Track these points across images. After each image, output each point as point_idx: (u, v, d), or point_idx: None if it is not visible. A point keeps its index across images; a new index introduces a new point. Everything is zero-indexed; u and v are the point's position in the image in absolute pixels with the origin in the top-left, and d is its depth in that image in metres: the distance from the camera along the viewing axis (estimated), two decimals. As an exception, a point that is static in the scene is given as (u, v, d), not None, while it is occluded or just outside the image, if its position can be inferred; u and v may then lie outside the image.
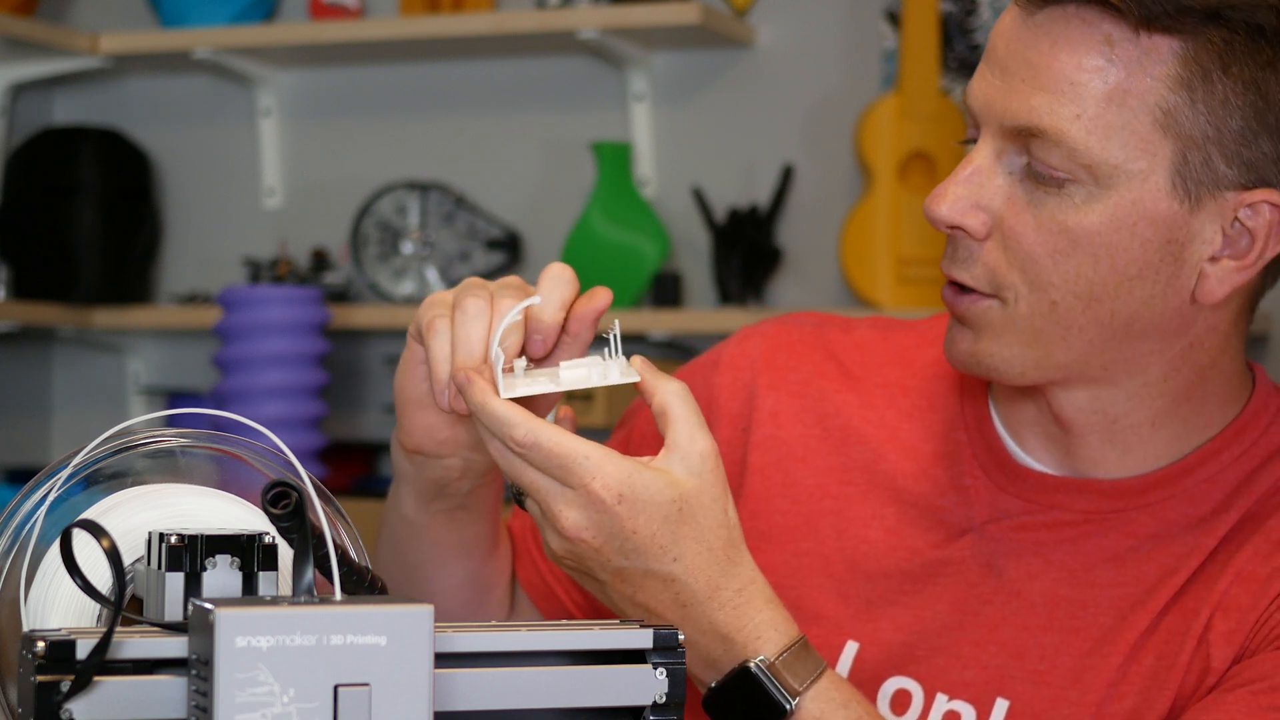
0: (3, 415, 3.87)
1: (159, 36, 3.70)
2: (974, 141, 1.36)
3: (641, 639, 1.07)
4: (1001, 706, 1.37)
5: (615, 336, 1.27)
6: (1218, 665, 1.33)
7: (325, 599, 0.98)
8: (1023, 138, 1.31)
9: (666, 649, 1.07)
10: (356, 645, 0.96)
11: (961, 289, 1.36)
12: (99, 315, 3.72)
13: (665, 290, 3.48)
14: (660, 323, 3.39)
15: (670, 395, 1.26)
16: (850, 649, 1.42)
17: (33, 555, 1.10)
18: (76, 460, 1.12)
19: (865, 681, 1.40)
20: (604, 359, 1.28)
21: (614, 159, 3.45)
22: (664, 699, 1.07)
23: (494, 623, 1.09)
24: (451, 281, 3.61)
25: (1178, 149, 1.29)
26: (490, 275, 3.62)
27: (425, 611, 0.97)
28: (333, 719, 0.95)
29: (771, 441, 1.49)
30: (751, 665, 1.26)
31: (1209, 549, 1.37)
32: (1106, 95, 1.28)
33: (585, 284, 3.06)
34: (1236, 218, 1.32)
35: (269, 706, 0.94)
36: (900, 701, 1.40)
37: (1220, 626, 1.33)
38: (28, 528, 1.11)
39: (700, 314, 3.41)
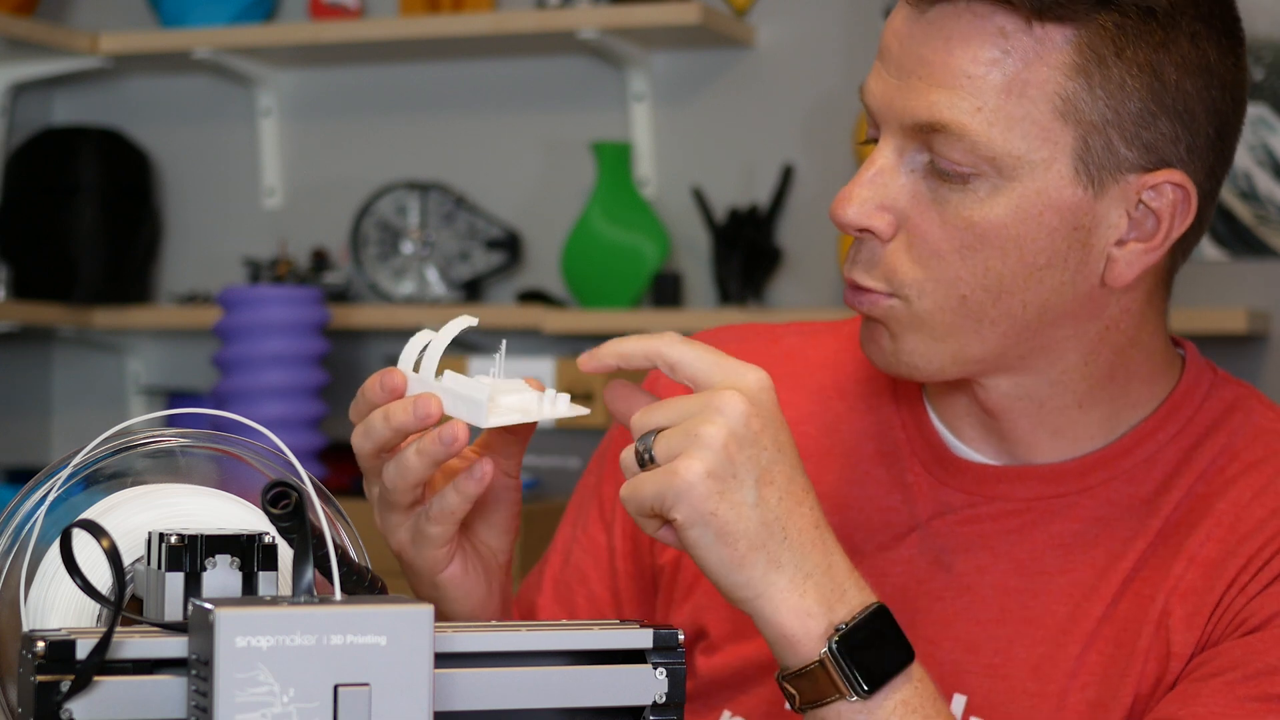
0: (3, 415, 3.87)
1: (159, 36, 3.70)
2: (876, 141, 1.36)
3: (641, 639, 1.07)
4: (959, 702, 1.38)
5: (499, 359, 1.26)
6: (1179, 651, 1.33)
7: (325, 599, 0.98)
8: (924, 134, 1.31)
9: (666, 649, 1.07)
10: (356, 645, 0.96)
11: (860, 288, 1.36)
12: (99, 315, 3.72)
13: (665, 290, 3.48)
14: (660, 323, 3.39)
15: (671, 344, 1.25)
16: None
17: (33, 555, 1.10)
18: (76, 460, 1.12)
19: None
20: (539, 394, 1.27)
21: (614, 159, 3.45)
22: (664, 699, 1.07)
23: (494, 623, 1.09)
24: (451, 281, 3.61)
25: (1079, 135, 1.31)
26: (490, 275, 3.62)
27: (425, 611, 0.97)
28: (333, 719, 0.95)
29: None
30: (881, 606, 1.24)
31: (1155, 530, 1.37)
32: (1005, 87, 1.29)
33: (586, 283, 3.05)
34: (1140, 200, 1.33)
35: (269, 706, 0.94)
36: None
37: (1178, 611, 1.34)
38: (28, 528, 1.11)
39: (700, 314, 3.41)
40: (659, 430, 1.22)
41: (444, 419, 1.26)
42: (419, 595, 1.37)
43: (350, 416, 1.32)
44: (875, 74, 1.35)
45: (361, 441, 1.30)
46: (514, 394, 1.25)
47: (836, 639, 1.22)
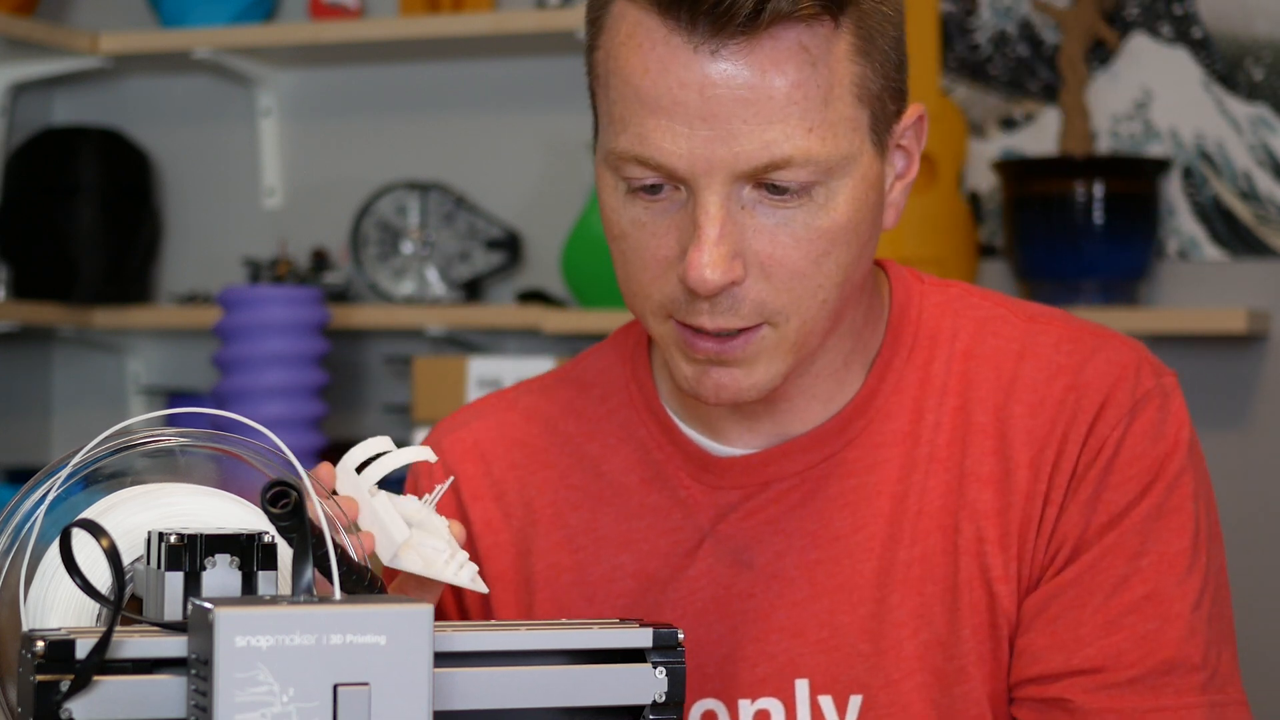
0: (3, 415, 3.87)
1: (159, 36, 3.70)
2: (655, 188, 1.31)
3: (641, 638, 1.07)
4: (803, 686, 1.39)
5: (437, 493, 1.27)
6: (999, 574, 1.36)
7: (325, 599, 0.98)
8: (761, 172, 1.29)
9: (666, 649, 1.08)
10: (356, 645, 0.96)
11: (730, 333, 1.33)
12: (99, 315, 3.72)
13: (665, 290, 3.47)
14: (660, 323, 3.38)
15: None
16: None
17: (32, 555, 1.10)
18: (76, 460, 1.12)
19: None
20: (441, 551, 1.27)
21: (614, 159, 3.44)
22: (664, 698, 1.07)
23: (494, 623, 1.09)
24: (451, 281, 3.61)
25: (870, 112, 1.33)
26: (490, 275, 3.62)
27: (425, 611, 0.97)
28: (332, 719, 0.95)
29: (496, 549, 1.48)
30: None
31: (925, 456, 1.39)
32: (821, 98, 1.29)
33: (586, 283, 3.05)
34: (899, 144, 1.37)
35: (269, 706, 0.94)
36: None
37: (990, 534, 1.36)
38: (27, 527, 1.11)
39: (700, 314, 3.40)
40: None
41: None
42: None
43: None
44: (666, 132, 1.28)
45: None
46: (430, 542, 1.25)
47: None
